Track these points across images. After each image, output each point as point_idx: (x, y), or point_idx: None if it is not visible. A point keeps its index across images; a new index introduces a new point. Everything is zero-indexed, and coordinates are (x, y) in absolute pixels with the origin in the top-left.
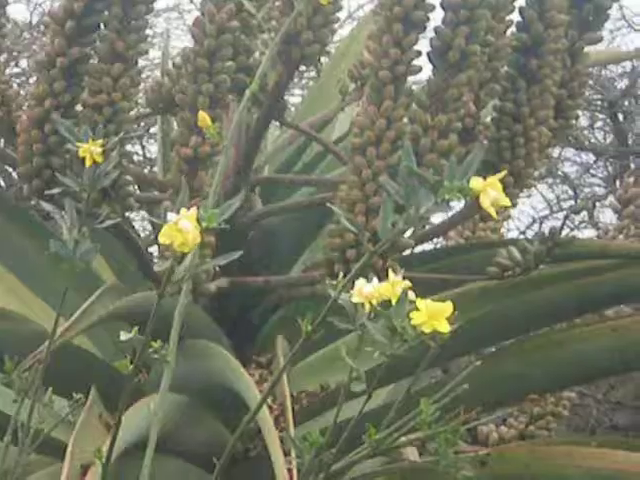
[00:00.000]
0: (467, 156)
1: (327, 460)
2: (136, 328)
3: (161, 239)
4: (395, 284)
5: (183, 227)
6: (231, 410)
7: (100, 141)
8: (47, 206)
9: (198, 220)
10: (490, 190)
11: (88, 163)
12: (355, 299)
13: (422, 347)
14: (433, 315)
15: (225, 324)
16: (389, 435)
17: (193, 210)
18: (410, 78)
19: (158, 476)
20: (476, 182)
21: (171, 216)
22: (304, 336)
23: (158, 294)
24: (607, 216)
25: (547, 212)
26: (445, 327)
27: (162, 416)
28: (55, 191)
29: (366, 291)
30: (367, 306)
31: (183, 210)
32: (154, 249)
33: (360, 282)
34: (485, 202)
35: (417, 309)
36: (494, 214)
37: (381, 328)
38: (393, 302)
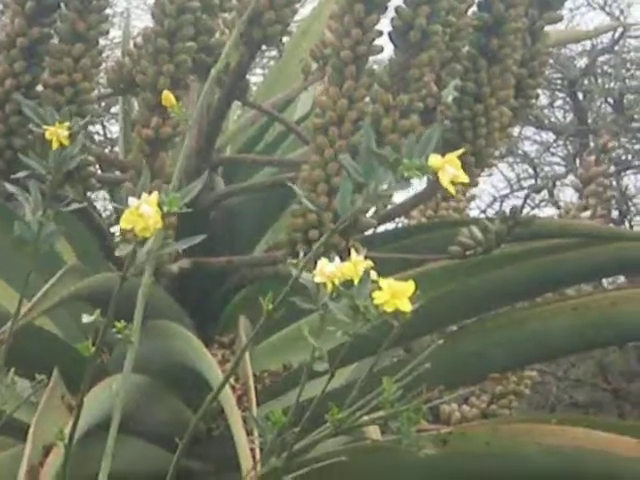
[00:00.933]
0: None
1: (290, 439)
2: (98, 310)
3: (122, 224)
4: (357, 264)
5: (144, 212)
6: (193, 390)
7: (67, 124)
8: (11, 188)
9: (159, 204)
10: (448, 167)
11: (54, 146)
12: (317, 279)
13: (384, 326)
14: (395, 294)
15: (187, 304)
16: (352, 414)
17: (154, 194)
18: (371, 58)
19: (120, 456)
20: (435, 159)
21: (132, 201)
22: (265, 315)
23: (121, 277)
24: (567, 194)
25: (507, 191)
26: (407, 306)
27: (124, 396)
28: (21, 174)
29: (328, 271)
30: (329, 286)
31: (144, 195)
32: (116, 229)
33: (322, 262)
34: (444, 179)
35: (379, 288)
36: (453, 191)
37: (343, 308)
38: (355, 282)
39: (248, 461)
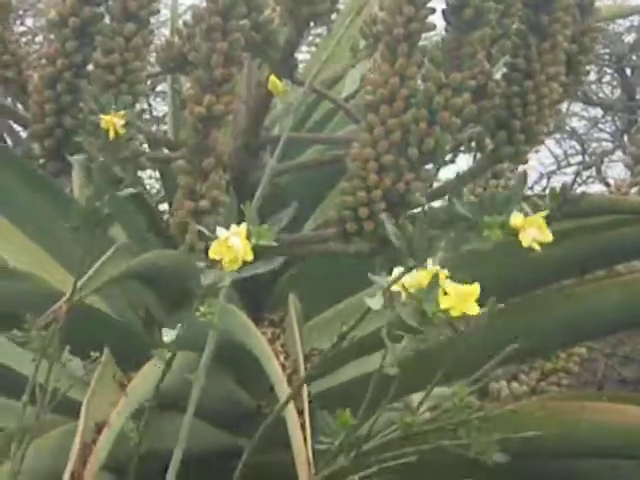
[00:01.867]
0: (479, 114)
1: (357, 441)
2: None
3: (211, 254)
4: (432, 272)
5: (234, 244)
6: (242, 367)
7: (122, 112)
8: (77, 167)
9: (247, 237)
10: (530, 228)
11: (111, 135)
12: (393, 288)
13: None
14: (461, 298)
15: (236, 283)
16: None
17: (243, 226)
18: (423, 36)
19: (170, 433)
20: (517, 218)
21: (220, 231)
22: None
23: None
24: (615, 171)
25: (555, 167)
26: (474, 309)
27: (174, 374)
28: (79, 157)
29: (404, 281)
30: (403, 295)
31: (233, 226)
32: (164, 207)
33: (397, 270)
34: (525, 240)
35: (445, 293)
36: (537, 248)
37: (412, 313)
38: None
39: (299, 441)
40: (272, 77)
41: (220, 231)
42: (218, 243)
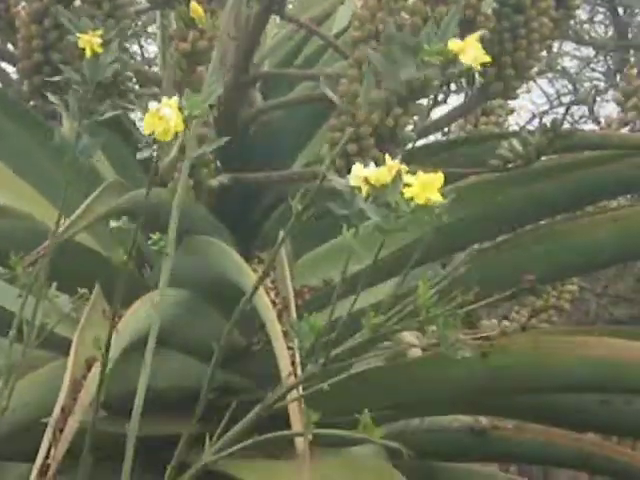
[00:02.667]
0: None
1: (328, 345)
2: (125, 217)
3: (145, 129)
4: (392, 168)
5: (164, 114)
6: (233, 304)
7: (99, 32)
8: (52, 97)
9: (180, 107)
10: (470, 49)
11: (88, 54)
12: (352, 182)
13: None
14: (425, 186)
15: (227, 221)
16: (388, 319)
17: (175, 98)
18: None
19: (161, 371)
20: (455, 43)
21: (152, 104)
22: (294, 217)
23: (148, 183)
24: (607, 110)
25: (547, 107)
26: (438, 197)
27: (164, 311)
28: (56, 78)
29: (363, 174)
30: (364, 189)
31: (164, 98)
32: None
33: (357, 166)
34: (467, 60)
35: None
36: (478, 67)
37: (376, 208)
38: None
39: (288, 371)
40: (194, 5)
41: (152, 104)
42: (150, 115)
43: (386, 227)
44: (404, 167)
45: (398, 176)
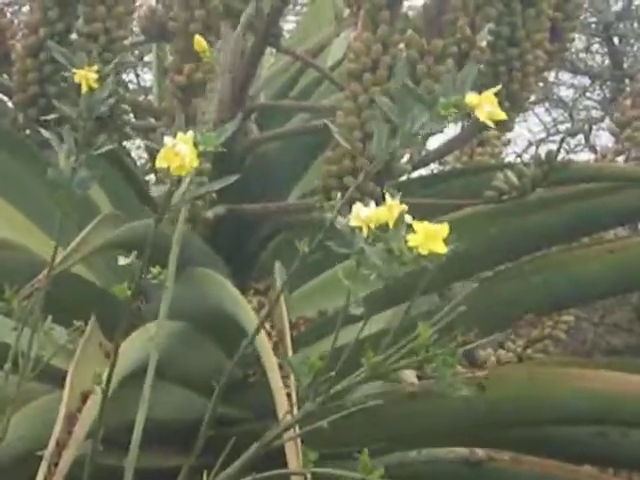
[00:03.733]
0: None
1: (325, 384)
2: (134, 252)
3: (158, 163)
4: (392, 208)
5: (180, 150)
6: (230, 337)
7: (95, 67)
8: (46, 133)
9: (195, 143)
10: (485, 104)
11: (84, 89)
12: (353, 223)
13: (420, 271)
14: (429, 237)
15: (223, 251)
16: (387, 358)
17: (190, 133)
18: (405, 3)
19: (158, 403)
20: (471, 97)
21: (168, 140)
22: (300, 258)
23: (155, 219)
24: (603, 139)
25: (544, 135)
26: (442, 248)
27: (161, 343)
28: (52, 116)
29: (364, 214)
30: (365, 230)
31: (179, 133)
32: (151, 177)
33: (357, 206)
34: (481, 115)
35: (414, 231)
36: (491, 125)
37: (378, 251)
38: (390, 226)
39: (284, 408)
40: (197, 37)
41: (167, 139)
42: (165, 150)
43: (386, 274)
44: (404, 207)
45: (400, 218)
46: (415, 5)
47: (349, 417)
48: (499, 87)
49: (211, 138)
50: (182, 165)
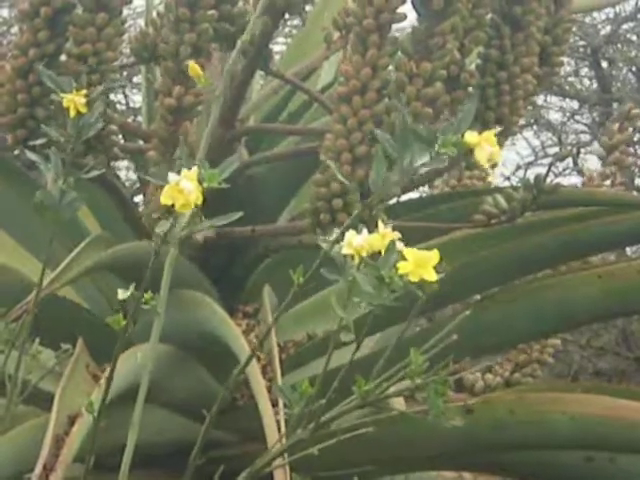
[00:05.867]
0: (453, 105)
1: (317, 411)
2: (132, 285)
3: (163, 200)
4: (385, 236)
5: (185, 188)
6: (218, 359)
7: (84, 91)
8: (33, 156)
9: (199, 180)
10: (485, 144)
11: (72, 113)
12: (345, 251)
13: (408, 296)
14: (420, 264)
15: (211, 274)
16: (378, 386)
17: (194, 170)
18: (394, 26)
19: (144, 426)
20: (471, 136)
21: (172, 176)
22: (295, 287)
23: (154, 252)
24: (592, 163)
25: (532, 158)
26: (432, 275)
27: (150, 366)
28: (40, 141)
29: (356, 243)
30: (357, 258)
31: (184, 170)
32: (139, 198)
33: (350, 234)
34: (481, 157)
35: (404, 259)
36: (486, 165)
37: (369, 279)
38: (382, 253)
39: (273, 432)
40: (191, 63)
41: (172, 176)
42: (170, 187)
43: (376, 302)
44: (397, 234)
45: (392, 246)
46: (404, 28)
47: (336, 442)
48: (499, 129)
49: (214, 175)
50: (187, 203)
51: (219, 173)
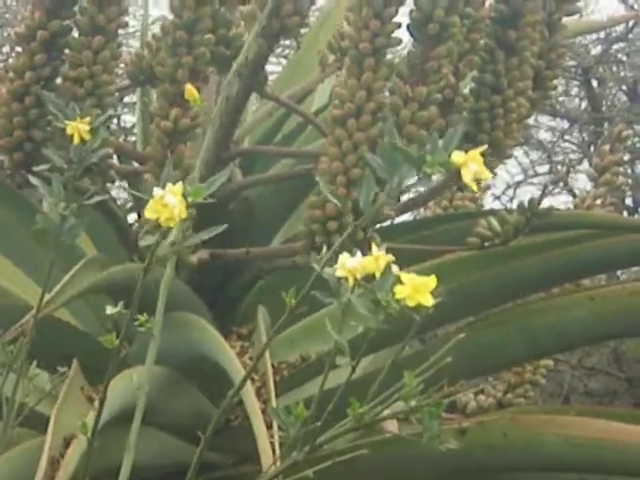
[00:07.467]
0: (447, 128)
1: (312, 433)
2: (122, 302)
3: (147, 214)
4: (379, 258)
5: (169, 202)
6: (212, 381)
7: (88, 119)
8: (35, 181)
9: (184, 195)
10: (471, 164)
11: (76, 140)
12: (339, 273)
13: (402, 318)
14: (417, 289)
15: (206, 296)
16: (372, 408)
17: (179, 184)
18: (389, 50)
19: (139, 448)
20: (457, 156)
21: (157, 191)
22: (288, 310)
23: (143, 269)
24: (582, 182)
25: (522, 177)
26: (429, 301)
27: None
28: (42, 167)
29: (350, 265)
30: (351, 280)
31: (169, 185)
32: (133, 218)
33: (344, 256)
34: (467, 176)
35: (400, 283)
36: (475, 187)
37: (365, 302)
38: (377, 276)
39: (268, 454)
40: (188, 86)
41: (156, 190)
42: (154, 202)
43: (373, 325)
44: (390, 257)
45: (388, 269)
46: (399, 52)
47: (330, 464)
48: (485, 147)
49: (200, 190)
50: (171, 217)
51: (205, 188)
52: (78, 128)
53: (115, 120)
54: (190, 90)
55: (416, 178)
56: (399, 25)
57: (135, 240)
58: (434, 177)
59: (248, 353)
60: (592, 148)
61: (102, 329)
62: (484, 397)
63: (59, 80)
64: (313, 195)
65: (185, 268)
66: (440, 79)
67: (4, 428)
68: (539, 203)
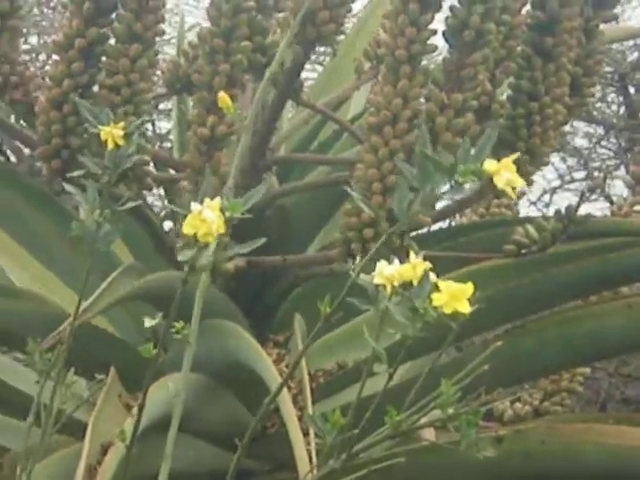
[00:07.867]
0: (482, 136)
1: (349, 441)
2: (161, 313)
3: (185, 229)
4: (416, 266)
5: (207, 217)
6: (248, 389)
7: (122, 124)
8: (70, 188)
9: (221, 209)
10: (504, 172)
11: (110, 146)
12: (376, 280)
13: (438, 326)
14: (454, 296)
15: (242, 303)
16: (410, 416)
17: (217, 199)
18: (425, 57)
19: (175, 455)
20: (490, 164)
21: (194, 206)
22: (323, 317)
23: (182, 281)
24: (618, 188)
25: (558, 183)
26: (466, 308)
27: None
28: (77, 173)
29: (388, 273)
30: (388, 288)
31: (207, 200)
32: (169, 225)
33: (381, 264)
34: (500, 184)
35: (438, 290)
36: (511, 194)
37: (402, 309)
38: (414, 283)
39: (304, 462)
40: (221, 93)
41: (194, 205)
42: (192, 217)
43: (410, 333)
44: (427, 264)
45: (425, 277)
46: (436, 59)
47: (367, 472)
48: (517, 153)
49: (237, 205)
50: (209, 232)
51: (243, 203)
52: (112, 133)
53: (150, 127)
54: (223, 98)
55: (448, 187)
56: (435, 32)
57: (171, 248)
58: (467, 185)
59: (285, 360)
60: (629, 155)
61: (139, 336)
62: (521, 405)
63: (96, 88)
64: (349, 202)
65: (221, 275)
66: (476, 86)
67: (42, 435)
68: (576, 210)
